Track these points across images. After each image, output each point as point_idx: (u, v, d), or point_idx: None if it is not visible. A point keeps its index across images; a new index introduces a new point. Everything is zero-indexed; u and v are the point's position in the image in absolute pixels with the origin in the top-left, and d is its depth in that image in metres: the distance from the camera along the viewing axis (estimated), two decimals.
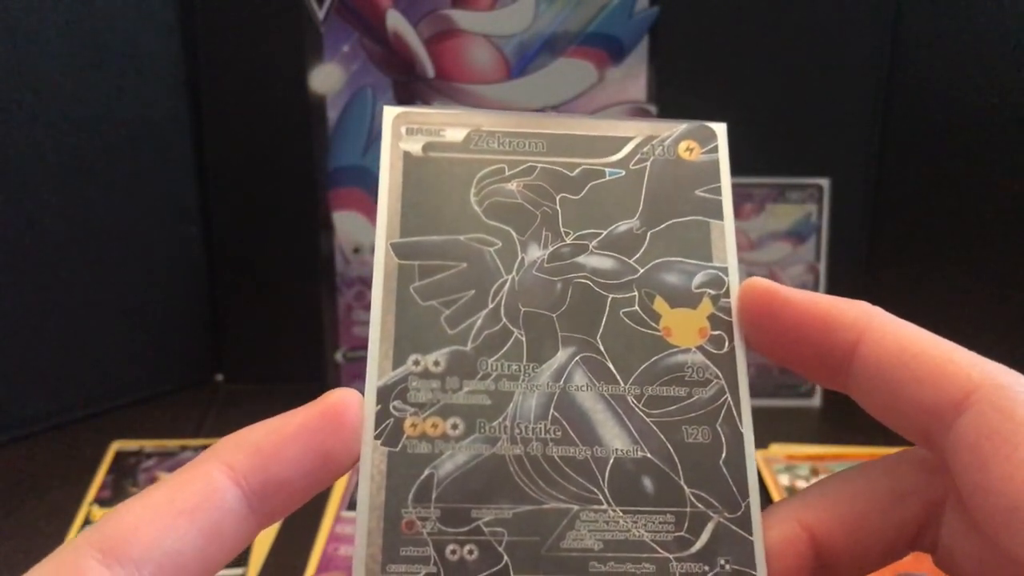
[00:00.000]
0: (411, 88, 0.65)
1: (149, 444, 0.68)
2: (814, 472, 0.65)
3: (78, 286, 0.69)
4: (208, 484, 0.20)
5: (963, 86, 0.69)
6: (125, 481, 0.64)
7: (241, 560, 0.57)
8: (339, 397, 0.22)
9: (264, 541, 0.58)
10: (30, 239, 0.66)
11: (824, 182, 0.71)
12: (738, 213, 0.70)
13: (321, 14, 0.63)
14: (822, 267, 0.71)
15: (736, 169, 0.80)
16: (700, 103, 0.71)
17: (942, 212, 0.72)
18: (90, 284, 0.69)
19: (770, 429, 0.68)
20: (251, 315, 0.76)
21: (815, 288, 0.71)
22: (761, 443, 0.67)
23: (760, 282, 0.23)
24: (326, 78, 0.65)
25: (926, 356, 0.20)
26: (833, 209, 0.71)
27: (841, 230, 0.72)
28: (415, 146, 0.26)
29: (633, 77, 0.66)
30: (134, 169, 0.70)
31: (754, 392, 0.76)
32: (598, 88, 0.65)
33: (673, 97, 0.67)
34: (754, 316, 0.23)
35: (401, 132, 0.26)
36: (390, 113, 0.26)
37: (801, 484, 0.64)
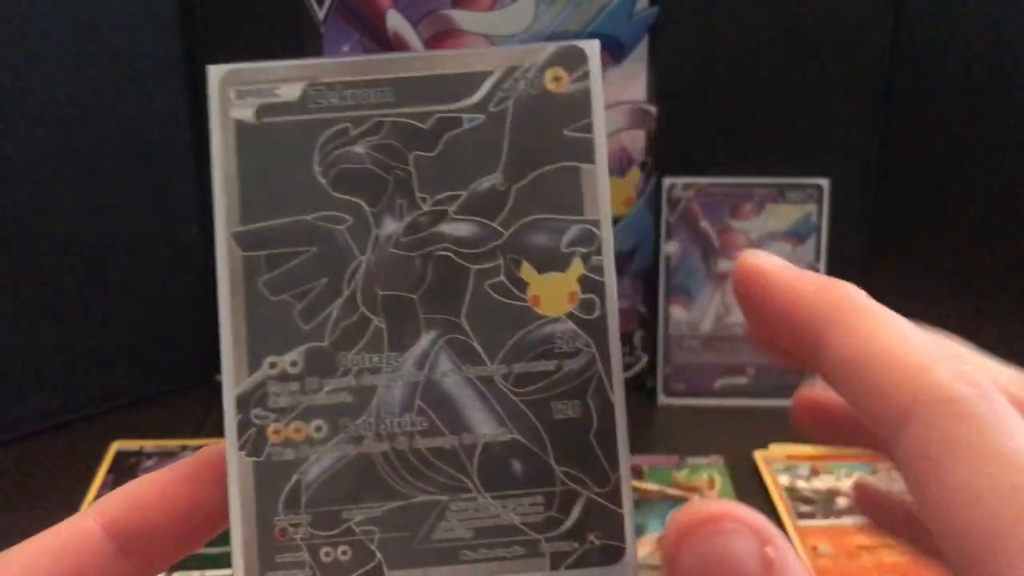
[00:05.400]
0: None
1: (149, 444, 0.68)
2: (814, 472, 0.65)
3: (78, 286, 0.69)
4: (78, 528, 0.21)
5: (963, 86, 0.69)
6: (125, 481, 0.64)
7: None
8: (216, 450, 0.22)
9: None
10: (30, 239, 0.66)
11: (824, 182, 0.71)
12: (738, 213, 0.70)
13: (321, 14, 0.63)
14: (822, 267, 0.71)
15: (736, 169, 0.80)
16: (700, 103, 0.71)
17: (942, 212, 0.72)
18: (90, 284, 0.69)
19: (770, 429, 0.68)
20: None
21: None
22: (761, 443, 0.67)
23: (747, 259, 0.22)
24: None
25: (877, 362, 0.19)
26: (833, 209, 0.71)
27: (841, 230, 0.72)
28: (247, 112, 0.23)
29: (633, 77, 0.66)
30: (134, 169, 0.70)
31: (754, 392, 0.76)
32: None
33: (673, 97, 0.67)
34: (742, 296, 0.22)
35: (230, 96, 0.23)
36: (216, 74, 0.23)
37: (801, 484, 0.64)
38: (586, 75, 0.23)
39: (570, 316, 0.23)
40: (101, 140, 0.67)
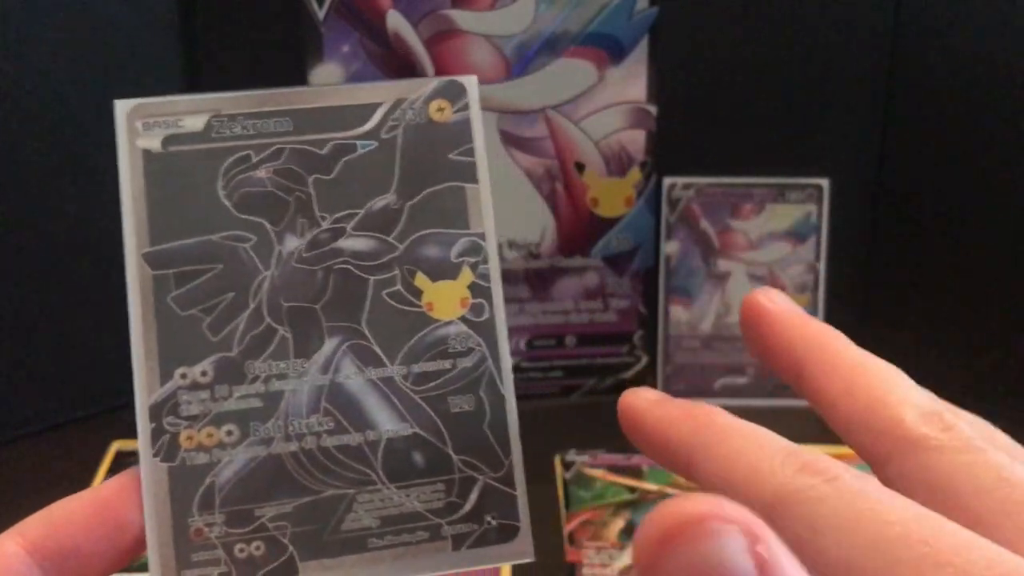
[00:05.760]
0: None
1: None
2: None
3: (77, 286, 0.69)
4: None
5: (964, 85, 0.69)
6: None
7: None
8: (139, 469, 0.23)
9: None
10: (29, 239, 0.66)
11: (824, 182, 0.71)
12: (738, 213, 0.70)
13: (321, 14, 0.63)
14: (821, 267, 0.71)
15: (736, 169, 0.80)
16: (700, 103, 0.71)
17: (942, 212, 0.72)
18: (90, 284, 0.69)
19: (770, 429, 0.68)
20: None
21: (815, 288, 0.71)
22: None
23: (625, 398, 0.24)
24: (326, 78, 0.65)
25: (733, 478, 0.21)
26: (833, 209, 0.71)
27: (841, 230, 0.72)
28: (153, 142, 0.25)
29: (633, 77, 0.66)
30: None
31: (754, 392, 0.76)
32: (598, 88, 0.65)
33: (673, 97, 0.67)
34: (625, 432, 0.25)
35: (137, 128, 0.25)
36: (123, 108, 0.25)
37: None
38: (467, 106, 0.26)
39: (462, 319, 0.25)
40: (102, 140, 0.67)
